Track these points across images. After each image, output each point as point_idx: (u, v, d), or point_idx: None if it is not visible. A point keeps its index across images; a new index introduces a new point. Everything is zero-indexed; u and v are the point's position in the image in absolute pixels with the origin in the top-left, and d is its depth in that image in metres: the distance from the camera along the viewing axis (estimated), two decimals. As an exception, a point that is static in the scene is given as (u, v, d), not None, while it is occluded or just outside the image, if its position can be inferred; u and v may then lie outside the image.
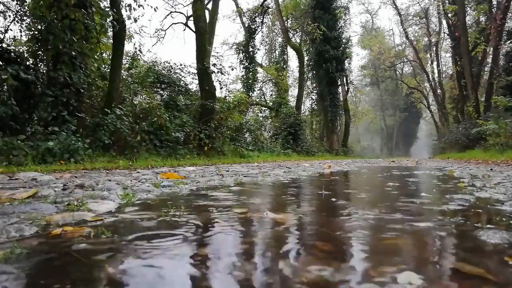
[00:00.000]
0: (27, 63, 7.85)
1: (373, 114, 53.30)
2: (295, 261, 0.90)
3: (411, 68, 45.62)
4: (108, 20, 9.09)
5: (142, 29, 28.61)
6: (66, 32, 7.52)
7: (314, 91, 30.95)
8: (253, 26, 28.60)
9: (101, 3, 9.04)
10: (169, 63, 14.57)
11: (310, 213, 1.68)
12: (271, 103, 27.31)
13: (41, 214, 1.47)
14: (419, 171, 5.60)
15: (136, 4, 9.52)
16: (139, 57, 14.51)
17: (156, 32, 23.61)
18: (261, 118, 24.19)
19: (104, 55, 11.13)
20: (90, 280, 0.77)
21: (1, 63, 7.15)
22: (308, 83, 31.23)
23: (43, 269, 0.85)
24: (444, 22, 31.59)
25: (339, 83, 28.74)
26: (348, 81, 31.86)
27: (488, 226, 1.30)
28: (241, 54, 27.78)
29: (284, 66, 29.41)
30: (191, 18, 18.45)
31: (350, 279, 0.77)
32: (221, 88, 15.26)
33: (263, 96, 30.35)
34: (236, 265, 0.86)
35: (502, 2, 19.63)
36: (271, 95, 29.62)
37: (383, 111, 56.13)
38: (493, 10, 21.26)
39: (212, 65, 13.26)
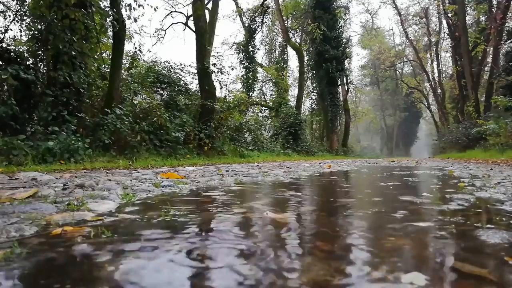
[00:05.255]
0: (27, 63, 7.84)
1: (373, 114, 53.25)
2: (295, 260, 0.90)
3: (411, 68, 45.61)
4: (108, 20, 9.09)
5: (142, 29, 28.68)
6: (66, 32, 7.52)
7: (314, 91, 30.95)
8: (253, 26, 28.60)
9: (101, 3, 9.04)
10: (169, 63, 14.56)
11: (310, 213, 1.67)
12: (271, 103, 27.30)
13: (41, 214, 1.47)
14: (419, 171, 5.61)
15: (136, 4, 9.53)
16: (139, 57, 14.49)
17: (156, 32, 23.57)
18: (261, 118, 24.16)
19: (104, 55, 11.11)
20: (90, 280, 0.77)
21: (1, 63, 7.15)
22: (308, 83, 31.23)
23: (43, 269, 0.85)
24: (444, 22, 31.60)
25: (339, 83, 28.72)
26: (348, 81, 31.81)
27: (488, 226, 1.30)
28: (241, 54, 27.77)
29: (284, 66, 29.41)
30: (191, 18, 18.43)
31: (350, 279, 0.77)
32: (221, 88, 15.26)
33: (263, 96, 30.35)
34: (237, 266, 0.86)
35: (502, 2, 19.62)
36: (271, 95, 29.63)
37: (383, 111, 56.11)
38: (493, 10, 21.25)
39: (212, 65, 13.24)
